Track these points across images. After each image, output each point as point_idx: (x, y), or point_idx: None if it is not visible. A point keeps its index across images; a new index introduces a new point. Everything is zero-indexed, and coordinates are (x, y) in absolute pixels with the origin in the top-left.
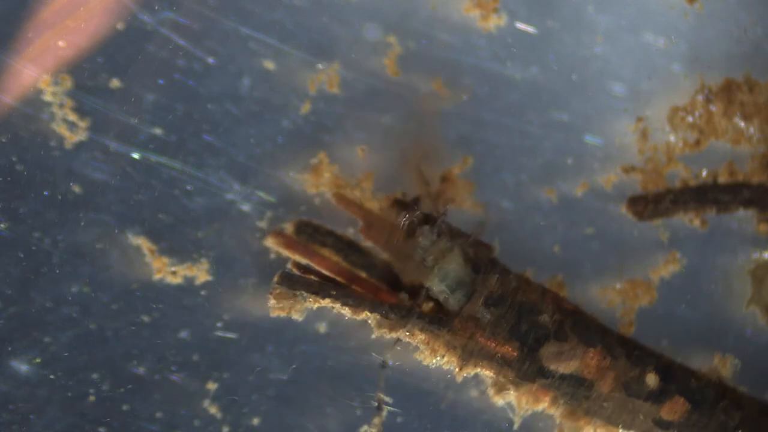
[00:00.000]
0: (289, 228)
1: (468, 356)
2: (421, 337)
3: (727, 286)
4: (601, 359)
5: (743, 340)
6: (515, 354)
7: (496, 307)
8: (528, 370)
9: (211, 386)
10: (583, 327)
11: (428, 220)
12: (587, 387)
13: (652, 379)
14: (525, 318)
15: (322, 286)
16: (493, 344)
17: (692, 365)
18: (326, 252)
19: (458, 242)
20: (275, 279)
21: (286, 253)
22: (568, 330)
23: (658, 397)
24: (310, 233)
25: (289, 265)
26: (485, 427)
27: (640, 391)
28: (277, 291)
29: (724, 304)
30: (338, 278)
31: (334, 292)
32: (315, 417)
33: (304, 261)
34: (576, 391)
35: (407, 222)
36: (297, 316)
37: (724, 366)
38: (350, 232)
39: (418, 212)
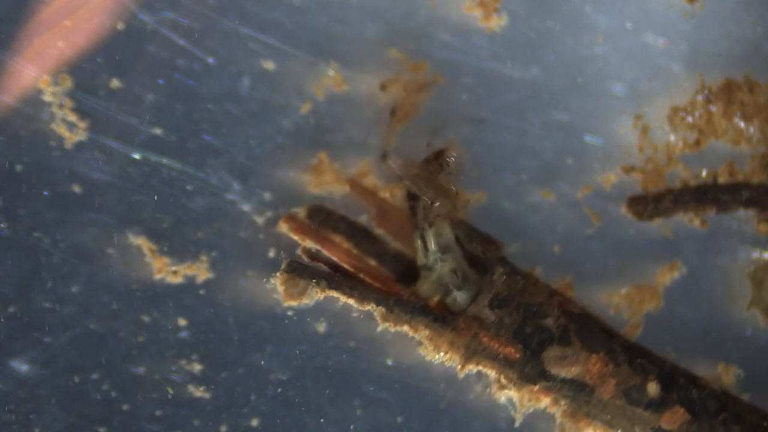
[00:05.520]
0: (301, 213)
1: (471, 355)
2: (425, 332)
3: (727, 286)
4: (603, 366)
5: (743, 340)
6: (518, 356)
7: (501, 309)
8: (530, 372)
9: (211, 386)
10: (587, 332)
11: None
12: (588, 392)
13: (653, 388)
14: (530, 320)
15: (329, 276)
16: (497, 345)
17: (696, 367)
18: (337, 238)
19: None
20: (283, 267)
21: (296, 238)
22: (573, 335)
23: (658, 406)
24: (323, 218)
25: (298, 251)
26: (485, 427)
27: (641, 399)
28: (285, 278)
29: (725, 304)
30: (348, 266)
31: (340, 283)
32: (315, 417)
33: (314, 247)
34: (577, 395)
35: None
36: (307, 301)
37: (727, 375)
38: (363, 219)
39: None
